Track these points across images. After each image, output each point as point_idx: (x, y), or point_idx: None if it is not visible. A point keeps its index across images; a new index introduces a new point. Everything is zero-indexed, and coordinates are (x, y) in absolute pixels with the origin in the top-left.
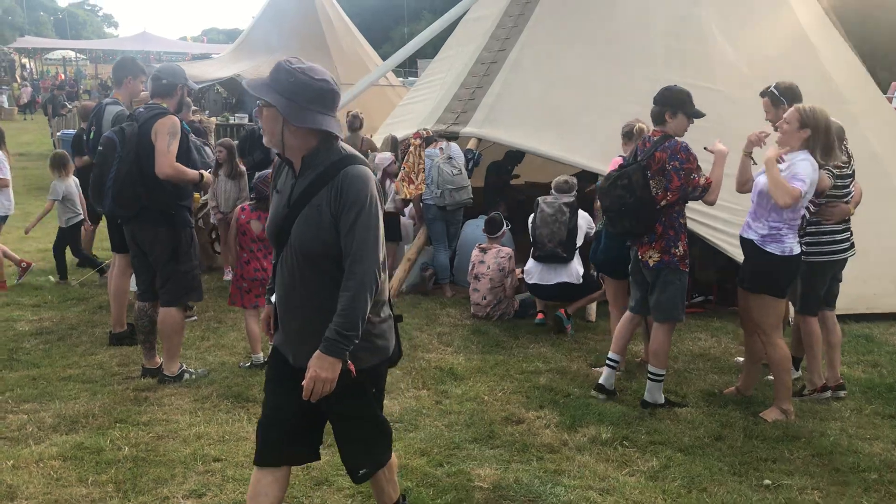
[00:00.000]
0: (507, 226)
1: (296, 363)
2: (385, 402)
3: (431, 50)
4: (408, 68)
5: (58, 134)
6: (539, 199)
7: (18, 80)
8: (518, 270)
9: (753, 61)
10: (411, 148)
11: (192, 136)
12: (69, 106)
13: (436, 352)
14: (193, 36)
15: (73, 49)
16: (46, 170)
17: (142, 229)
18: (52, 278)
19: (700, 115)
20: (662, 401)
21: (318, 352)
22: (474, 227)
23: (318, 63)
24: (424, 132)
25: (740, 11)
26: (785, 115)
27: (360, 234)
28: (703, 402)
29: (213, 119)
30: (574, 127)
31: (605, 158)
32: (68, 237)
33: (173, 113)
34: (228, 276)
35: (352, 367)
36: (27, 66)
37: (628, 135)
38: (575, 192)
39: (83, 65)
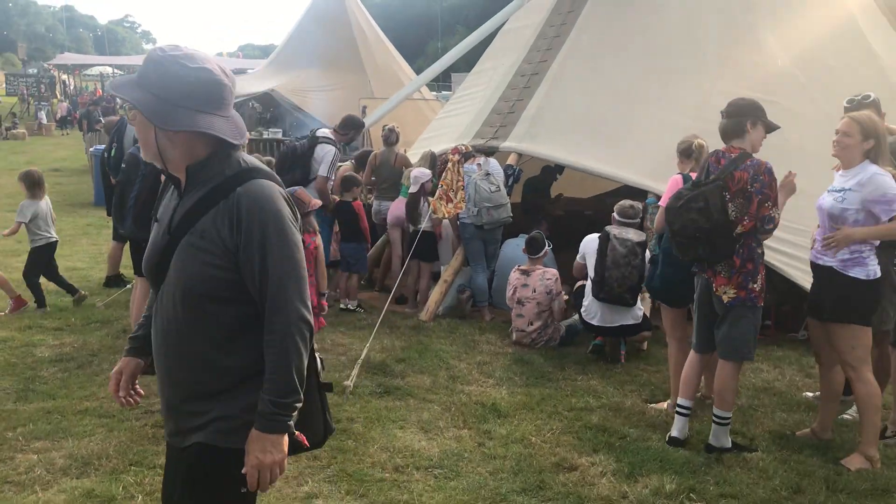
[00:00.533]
0: (549, 245)
1: (171, 438)
2: (423, 442)
3: (465, 64)
4: (441, 82)
5: (90, 149)
6: (609, 231)
7: (59, 96)
8: (563, 294)
9: (811, 69)
10: (449, 164)
11: None
12: (103, 121)
13: (476, 384)
14: (229, 52)
15: (109, 65)
16: (81, 186)
17: None
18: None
19: (776, 126)
20: (729, 444)
21: (253, 431)
22: (514, 247)
23: (351, 77)
24: (463, 147)
25: (794, 17)
26: (842, 128)
27: (275, 271)
28: (774, 446)
29: (247, 134)
30: (621, 141)
31: (654, 175)
32: (39, 261)
33: None
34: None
35: (303, 439)
36: (67, 82)
37: (686, 152)
38: (640, 219)
39: None
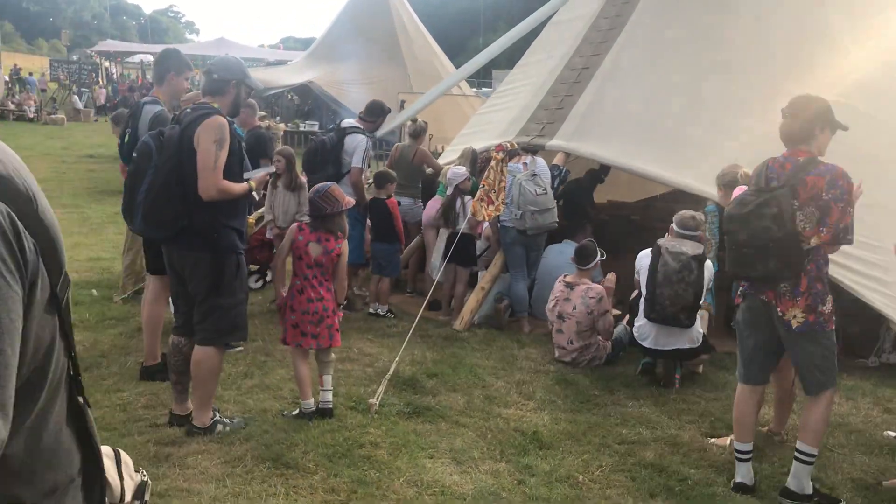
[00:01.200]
0: (601, 255)
1: None
2: (455, 476)
3: (506, 61)
4: (482, 79)
5: None
6: (662, 244)
7: (101, 82)
8: (611, 305)
9: (889, 71)
10: (492, 163)
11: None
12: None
13: (515, 406)
14: (271, 44)
15: (150, 53)
16: (113, 173)
17: (180, 254)
18: (94, 292)
19: (845, 127)
20: (810, 491)
21: None
22: (556, 254)
23: (390, 71)
24: (508, 145)
25: (870, 11)
26: None
27: None
28: (858, 497)
29: (282, 125)
30: (679, 143)
31: (712, 181)
32: None
33: (226, 115)
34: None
35: None
36: (110, 69)
37: (731, 184)
38: (700, 232)
39: None
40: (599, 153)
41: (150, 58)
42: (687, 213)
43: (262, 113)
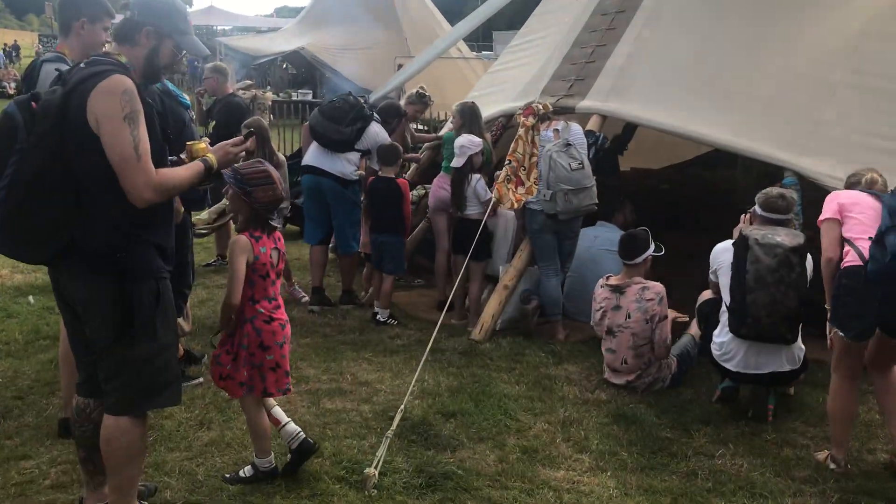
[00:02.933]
0: (654, 248)
1: None
2: None
3: (507, 23)
4: (482, 42)
5: None
6: (749, 234)
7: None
8: (673, 313)
9: None
10: (520, 130)
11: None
12: None
13: (566, 465)
14: (265, 14)
15: None
16: None
17: (70, 281)
18: (31, 300)
19: None
20: None
21: None
22: (590, 240)
23: (385, 34)
24: (540, 107)
25: None
26: None
27: None
28: None
29: (270, 94)
30: (742, 100)
31: (792, 145)
32: None
33: (137, 77)
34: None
35: None
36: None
37: (853, 185)
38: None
39: None
40: (645, 115)
41: None
42: (774, 190)
43: (249, 82)
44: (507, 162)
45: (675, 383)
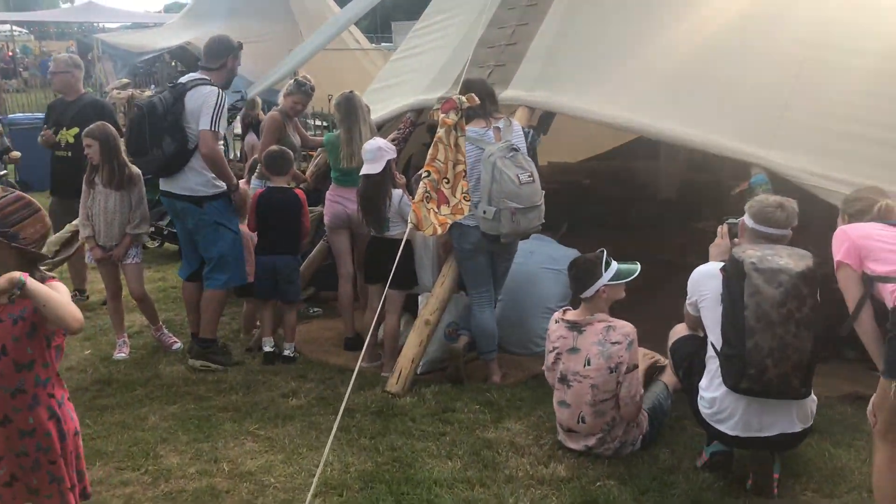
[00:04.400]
0: (627, 272)
1: None
2: None
3: (405, 14)
4: (381, 34)
5: None
6: (742, 258)
7: None
8: (648, 356)
9: None
10: (439, 131)
11: None
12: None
13: None
14: (155, 11)
15: (9, 22)
16: None
17: None
18: None
19: None
20: None
21: None
22: (526, 255)
23: (278, 27)
24: (464, 99)
25: None
26: None
27: None
28: None
29: (127, 93)
30: (696, 85)
31: (759, 136)
32: None
33: None
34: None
35: None
36: None
37: (859, 216)
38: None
39: (26, 40)
40: (580, 106)
41: (18, 28)
42: (771, 199)
43: (126, 80)
44: (424, 174)
45: (648, 443)
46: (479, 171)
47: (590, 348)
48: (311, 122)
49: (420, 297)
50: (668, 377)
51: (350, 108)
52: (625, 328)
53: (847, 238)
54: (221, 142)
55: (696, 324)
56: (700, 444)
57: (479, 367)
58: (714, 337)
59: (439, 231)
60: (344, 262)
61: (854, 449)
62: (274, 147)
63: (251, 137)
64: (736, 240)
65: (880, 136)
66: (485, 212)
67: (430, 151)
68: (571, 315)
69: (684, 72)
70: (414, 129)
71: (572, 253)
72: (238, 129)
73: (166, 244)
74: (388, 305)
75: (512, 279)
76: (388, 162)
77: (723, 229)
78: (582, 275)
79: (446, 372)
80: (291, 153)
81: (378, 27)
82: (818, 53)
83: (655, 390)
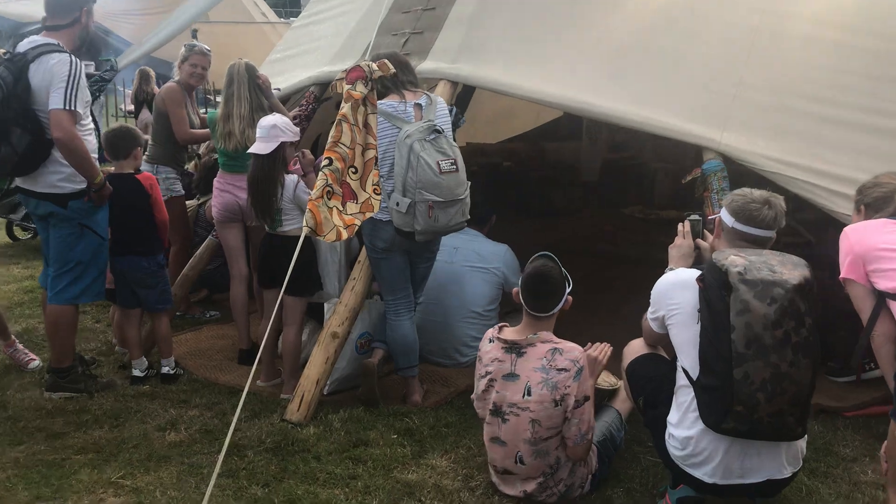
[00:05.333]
0: (569, 286)
1: None
2: None
3: None
4: (289, 8)
5: None
6: (727, 266)
7: None
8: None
9: None
10: (343, 108)
11: None
12: None
13: None
14: None
15: None
16: None
17: None
18: None
19: None
20: None
21: None
22: (450, 252)
23: None
24: (375, 67)
25: None
26: None
27: None
28: None
29: None
30: (641, 58)
31: (707, 116)
32: None
33: None
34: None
35: None
36: None
37: (878, 206)
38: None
39: None
40: (510, 81)
41: None
42: (755, 193)
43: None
44: (324, 162)
45: (599, 482)
46: (394, 156)
47: (531, 375)
48: (212, 98)
49: (326, 305)
50: (622, 402)
51: (229, 80)
52: (573, 352)
53: (848, 248)
54: (89, 122)
55: (658, 341)
56: (661, 480)
57: (397, 382)
58: (688, 362)
59: (345, 235)
60: (236, 261)
61: (832, 479)
62: (116, 125)
63: (145, 115)
64: (699, 240)
65: (846, 116)
66: (398, 203)
67: (331, 133)
68: (510, 333)
69: (627, 43)
70: (318, 106)
71: (500, 249)
72: (131, 107)
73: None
74: (286, 315)
75: (434, 279)
76: (282, 144)
77: (683, 227)
78: (556, 289)
79: (358, 392)
80: (135, 131)
81: (287, 0)
82: (775, 23)
83: (606, 419)
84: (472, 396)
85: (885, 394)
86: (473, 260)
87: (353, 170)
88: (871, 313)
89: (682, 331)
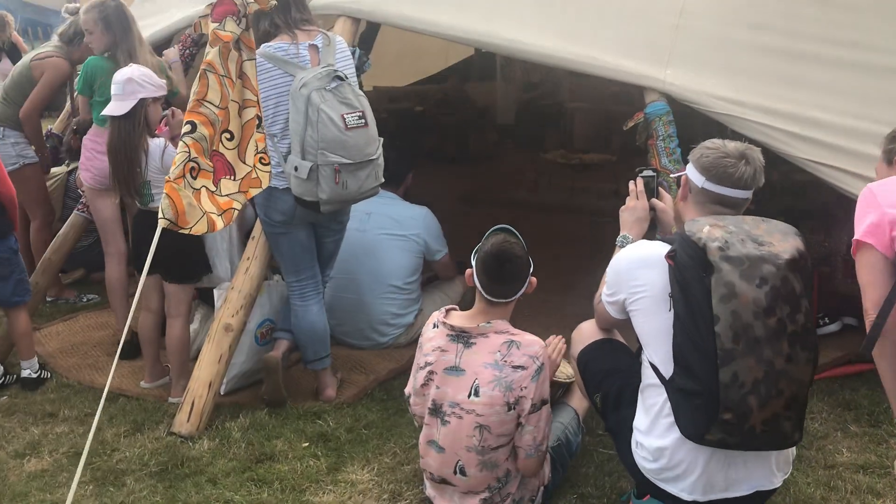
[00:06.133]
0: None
1: None
2: None
3: None
4: None
5: None
6: (700, 235)
7: None
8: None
9: None
10: (210, 54)
11: None
12: None
13: None
14: None
15: None
16: None
17: None
18: None
19: None
20: None
21: None
22: (362, 218)
23: None
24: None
25: None
26: None
27: None
28: None
29: None
30: None
31: (648, 50)
32: None
33: None
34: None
35: None
36: None
37: None
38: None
39: None
40: (422, 16)
41: None
42: (728, 147)
43: None
44: (184, 128)
45: (551, 494)
46: (287, 110)
47: (480, 371)
48: None
49: (216, 292)
50: (579, 400)
51: (108, 21)
52: (532, 346)
53: (874, 205)
54: None
55: (615, 325)
56: (619, 481)
57: (307, 373)
58: (658, 357)
59: (220, 224)
60: (112, 237)
61: (806, 463)
62: None
63: (6, 64)
64: (655, 200)
65: (802, 48)
66: (296, 168)
67: (193, 88)
68: (458, 319)
69: None
70: (197, 51)
71: (419, 213)
72: None
73: None
74: (168, 306)
75: (345, 250)
76: (142, 101)
77: (637, 185)
78: (520, 270)
79: (261, 391)
80: None
81: None
82: None
83: (562, 420)
84: (407, 391)
85: (847, 352)
86: (389, 226)
87: (228, 135)
88: (888, 293)
89: (649, 319)
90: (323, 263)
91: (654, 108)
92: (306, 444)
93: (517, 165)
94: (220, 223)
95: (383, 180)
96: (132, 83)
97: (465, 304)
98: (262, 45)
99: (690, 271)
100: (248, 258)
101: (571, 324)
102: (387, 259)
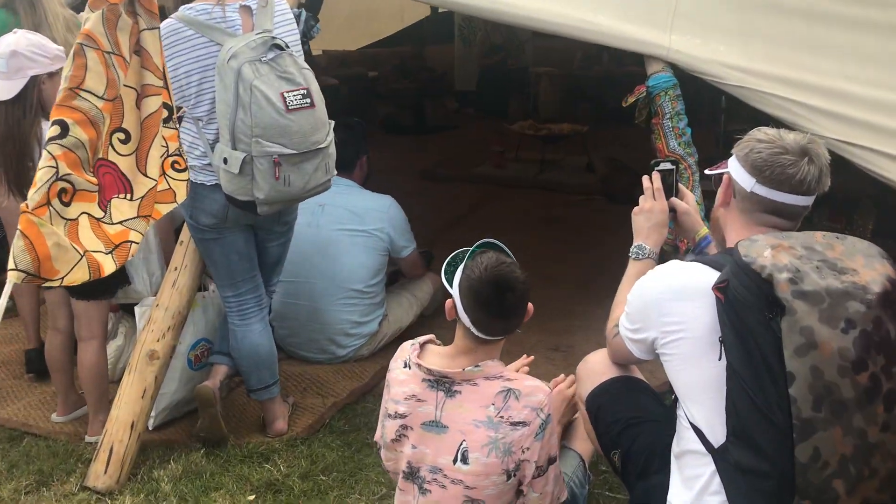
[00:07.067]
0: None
1: None
2: None
3: None
4: None
5: None
6: (764, 263)
7: None
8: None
9: None
10: (88, 23)
11: None
12: None
13: None
14: None
15: None
16: None
17: None
18: None
19: None
20: None
21: None
22: (314, 210)
23: None
24: None
25: None
26: None
27: None
28: None
29: None
30: None
31: (648, 16)
32: None
33: None
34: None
35: None
36: None
37: None
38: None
39: None
40: None
41: None
42: (786, 141)
43: None
44: (50, 131)
45: None
46: (212, 89)
47: (468, 431)
48: None
49: (137, 310)
50: (583, 441)
51: None
52: (535, 395)
53: None
54: None
55: (636, 363)
56: None
57: (249, 408)
58: (702, 417)
59: (108, 268)
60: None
61: None
62: None
63: None
64: (675, 199)
65: (825, 6)
66: (225, 160)
67: (65, 72)
68: (436, 359)
69: None
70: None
71: (383, 203)
72: None
73: None
74: (79, 327)
75: (296, 249)
76: (34, 79)
77: (652, 182)
78: (521, 302)
79: (196, 427)
80: None
81: None
82: None
83: (566, 470)
84: (376, 439)
85: None
86: (347, 220)
87: (121, 136)
88: None
89: (689, 368)
90: (267, 273)
91: (658, 80)
92: (252, 497)
93: (480, 136)
94: (109, 265)
95: (335, 173)
96: (18, 57)
97: (437, 302)
98: (181, 7)
99: (751, 312)
100: (176, 268)
101: (557, 328)
102: (345, 259)
